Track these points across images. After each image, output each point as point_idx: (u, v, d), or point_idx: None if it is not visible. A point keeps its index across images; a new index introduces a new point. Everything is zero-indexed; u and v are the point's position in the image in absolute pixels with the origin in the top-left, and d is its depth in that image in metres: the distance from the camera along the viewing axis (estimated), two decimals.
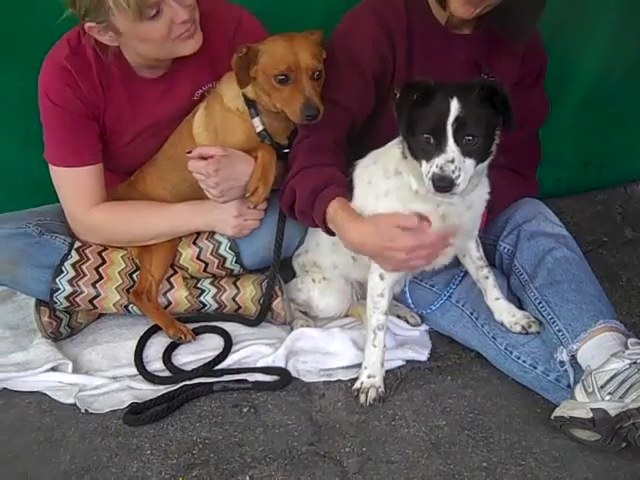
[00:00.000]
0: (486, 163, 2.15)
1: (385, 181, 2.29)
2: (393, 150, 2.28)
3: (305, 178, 2.37)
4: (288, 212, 2.50)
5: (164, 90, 2.62)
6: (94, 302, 2.65)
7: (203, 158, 2.47)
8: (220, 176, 2.46)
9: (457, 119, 2.00)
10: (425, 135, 2.03)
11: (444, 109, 2.01)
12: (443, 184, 1.99)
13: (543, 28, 2.70)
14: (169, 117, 2.65)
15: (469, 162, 2.03)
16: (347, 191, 2.35)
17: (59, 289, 2.59)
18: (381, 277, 2.36)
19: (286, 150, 2.55)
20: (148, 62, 2.54)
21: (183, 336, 2.60)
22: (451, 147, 2.00)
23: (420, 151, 2.07)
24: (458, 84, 2.08)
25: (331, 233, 2.36)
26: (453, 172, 1.98)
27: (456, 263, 2.54)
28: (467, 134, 2.01)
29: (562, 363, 2.25)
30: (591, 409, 2.06)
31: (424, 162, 2.04)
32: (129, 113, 2.62)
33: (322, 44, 2.46)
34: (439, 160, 1.99)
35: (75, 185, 2.61)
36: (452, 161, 1.98)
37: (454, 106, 2.00)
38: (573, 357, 2.24)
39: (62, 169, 2.59)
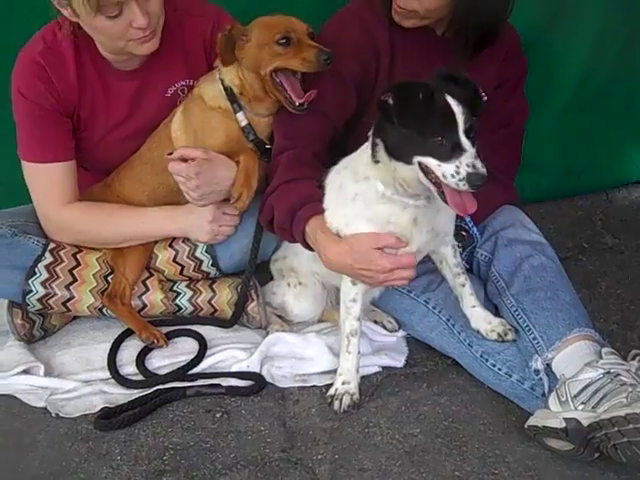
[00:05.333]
0: None
1: (354, 185, 2.27)
2: (363, 154, 2.25)
3: (283, 195, 2.35)
4: (267, 227, 2.48)
5: (138, 85, 2.59)
6: (67, 305, 2.61)
7: (184, 160, 2.44)
8: (201, 179, 2.42)
9: (465, 117, 1.98)
10: (438, 137, 1.99)
11: (448, 108, 1.99)
12: (482, 182, 1.96)
13: (525, 34, 2.71)
14: (142, 113, 2.61)
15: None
16: None
17: (32, 291, 2.55)
18: (353, 282, 2.34)
19: (268, 146, 2.52)
20: (113, 55, 2.49)
21: (156, 340, 2.57)
22: (468, 145, 1.97)
23: (431, 153, 2.01)
24: (432, 80, 2.06)
25: (310, 249, 2.35)
26: (482, 167, 1.96)
27: (434, 268, 2.52)
28: (471, 129, 2.00)
29: (537, 372, 2.23)
30: (564, 419, 2.05)
31: (442, 164, 1.99)
32: (103, 107, 2.59)
33: None
34: (467, 159, 1.96)
35: (46, 182, 2.57)
36: (476, 157, 1.97)
37: (454, 103, 1.98)
38: (548, 366, 2.22)
39: (33, 165, 2.56)
